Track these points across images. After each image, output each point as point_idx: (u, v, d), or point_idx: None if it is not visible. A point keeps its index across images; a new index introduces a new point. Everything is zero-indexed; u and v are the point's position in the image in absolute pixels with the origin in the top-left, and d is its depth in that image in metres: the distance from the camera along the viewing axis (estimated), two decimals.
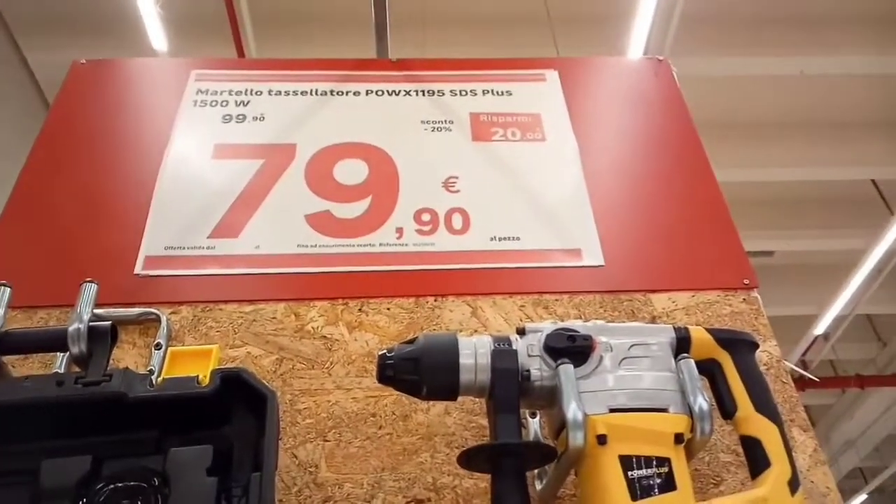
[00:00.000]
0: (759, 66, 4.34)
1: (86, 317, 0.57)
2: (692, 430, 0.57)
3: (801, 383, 6.72)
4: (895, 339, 6.84)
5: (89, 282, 0.60)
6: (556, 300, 0.82)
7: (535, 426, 0.70)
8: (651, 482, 0.55)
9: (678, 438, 0.56)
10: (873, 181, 5.29)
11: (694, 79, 4.21)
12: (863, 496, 8.02)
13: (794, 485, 0.57)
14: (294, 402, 0.73)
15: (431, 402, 0.73)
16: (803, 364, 6.64)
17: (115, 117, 0.99)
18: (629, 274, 0.85)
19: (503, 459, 0.56)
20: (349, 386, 0.74)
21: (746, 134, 4.78)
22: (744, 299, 0.84)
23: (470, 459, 0.56)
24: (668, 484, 0.55)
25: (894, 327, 6.78)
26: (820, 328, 5.81)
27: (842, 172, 4.95)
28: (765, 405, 0.61)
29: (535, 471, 0.68)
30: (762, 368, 0.78)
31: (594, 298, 0.83)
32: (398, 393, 0.73)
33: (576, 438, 0.55)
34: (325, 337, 0.77)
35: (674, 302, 0.83)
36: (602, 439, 0.56)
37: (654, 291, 0.84)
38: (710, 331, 0.64)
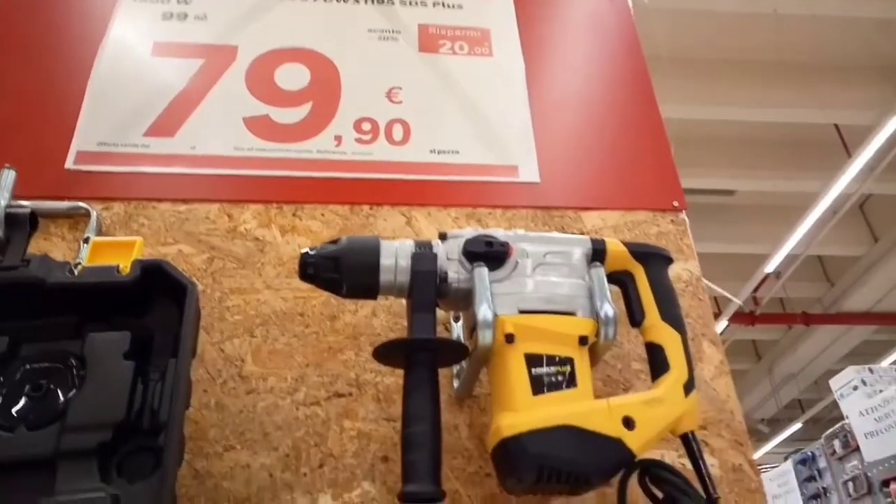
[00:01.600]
0: (734, 3, 4.31)
1: (2, 202, 0.57)
2: (597, 334, 0.60)
3: (750, 318, 6.97)
4: (843, 280, 7.09)
5: (7, 168, 0.59)
6: (490, 214, 0.84)
7: (458, 330, 0.73)
8: (553, 379, 0.58)
9: (582, 340, 0.59)
10: (836, 126, 5.36)
11: (667, 12, 4.17)
12: (798, 425, 8.48)
13: (688, 387, 0.61)
14: (223, 300, 0.74)
15: (360, 304, 0.75)
16: (754, 300, 6.87)
17: (49, 10, 0.96)
18: (563, 192, 0.87)
19: (416, 354, 0.58)
20: (279, 286, 0.75)
21: (715, 71, 4.78)
22: (672, 220, 0.87)
23: (385, 354, 0.58)
24: (570, 381, 0.58)
25: (843, 268, 7.02)
26: (771, 266, 5.98)
27: (806, 115, 5.00)
28: (670, 315, 0.65)
29: (454, 372, 0.71)
30: (682, 286, 0.82)
31: (527, 214, 0.85)
32: (327, 294, 0.75)
33: (484, 337, 0.58)
34: (257, 239, 0.78)
35: (604, 220, 0.86)
36: (510, 338, 0.58)
37: (585, 209, 0.86)
38: (625, 243, 0.67)
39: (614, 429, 0.57)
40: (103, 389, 0.55)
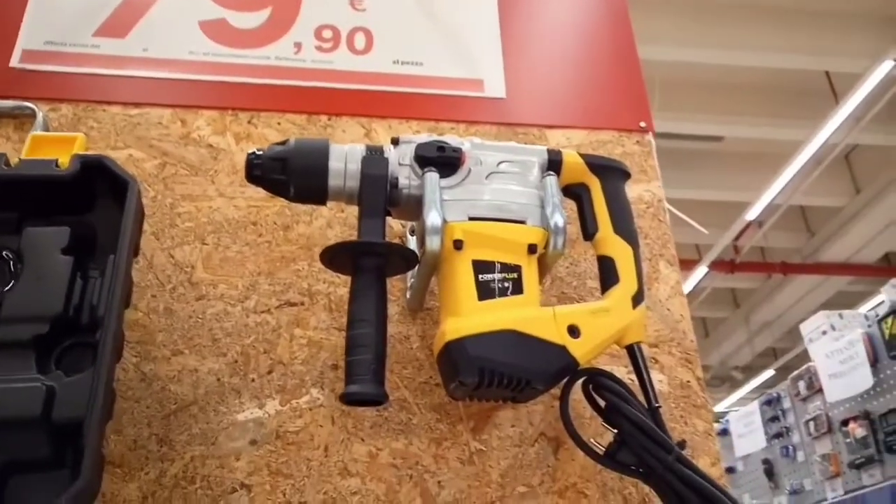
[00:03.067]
0: None
1: None
2: (547, 243, 0.60)
3: (730, 266, 7.03)
4: (823, 231, 7.16)
5: None
6: (453, 129, 0.82)
7: (413, 243, 0.72)
8: (500, 285, 0.57)
9: (531, 249, 0.59)
10: (827, 73, 5.31)
11: None
12: (771, 371, 8.69)
13: (637, 300, 0.61)
14: (175, 206, 0.72)
15: (314, 216, 0.74)
16: (735, 248, 6.93)
17: None
18: (528, 108, 0.85)
19: (363, 259, 0.57)
20: (232, 195, 0.74)
21: (706, 11, 4.68)
22: (637, 141, 0.85)
23: (332, 257, 0.57)
24: (516, 288, 0.58)
25: (824, 219, 7.07)
26: (752, 214, 6.01)
27: (798, 61, 4.94)
28: (623, 228, 0.64)
29: (408, 284, 0.70)
30: (643, 206, 0.81)
31: (490, 130, 0.83)
32: (281, 204, 0.74)
33: (432, 242, 0.57)
34: (211, 146, 0.76)
35: (568, 139, 0.84)
36: (458, 244, 0.58)
37: (550, 127, 0.84)
38: (582, 155, 0.66)
39: (558, 336, 0.57)
40: (40, 283, 0.54)
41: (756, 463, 2.73)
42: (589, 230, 0.64)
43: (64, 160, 0.58)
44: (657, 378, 0.71)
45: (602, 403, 0.59)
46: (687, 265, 6.95)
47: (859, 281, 7.41)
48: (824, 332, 2.54)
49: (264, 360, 0.66)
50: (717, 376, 8.70)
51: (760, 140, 5.81)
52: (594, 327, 0.58)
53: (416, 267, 0.63)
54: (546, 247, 0.60)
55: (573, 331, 0.57)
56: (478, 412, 0.66)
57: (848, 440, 2.22)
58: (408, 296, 0.70)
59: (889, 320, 2.09)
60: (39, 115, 0.73)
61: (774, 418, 2.67)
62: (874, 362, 2.14)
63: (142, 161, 0.74)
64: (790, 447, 2.55)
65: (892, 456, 2.06)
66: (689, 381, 0.72)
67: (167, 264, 0.69)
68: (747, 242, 6.87)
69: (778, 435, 2.64)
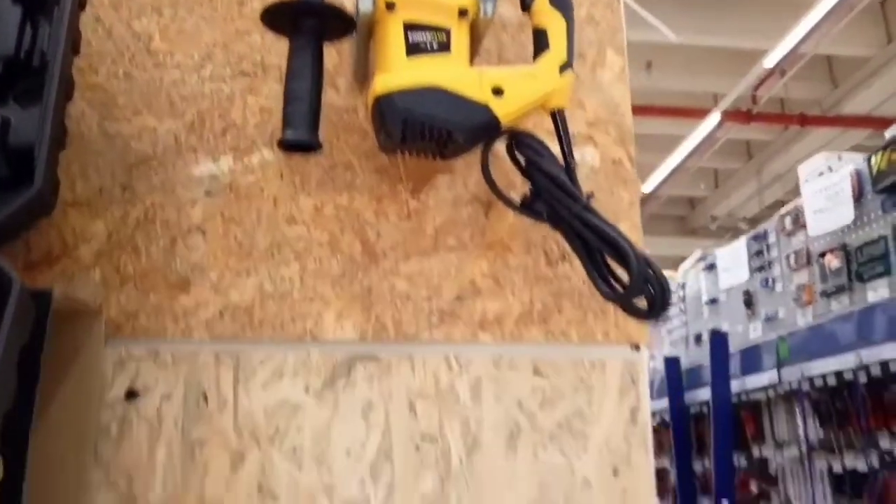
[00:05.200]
0: None
1: None
2: (477, 10, 0.62)
3: (746, 116, 6.89)
4: (846, 82, 6.92)
5: None
6: None
7: None
8: (428, 44, 0.60)
9: (462, 13, 0.61)
10: None
11: None
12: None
13: (564, 67, 0.64)
14: None
15: None
16: (753, 98, 6.75)
17: None
18: None
19: (302, 19, 0.60)
20: None
21: None
22: None
23: (272, 16, 0.60)
24: (444, 47, 0.61)
25: (850, 70, 6.81)
26: (770, 62, 5.80)
27: None
28: (559, 1, 0.66)
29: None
30: None
31: None
32: None
33: (364, 4, 0.60)
34: None
35: None
36: (390, 6, 0.60)
37: None
38: None
39: (482, 95, 0.61)
40: None
41: (737, 294, 2.86)
42: (526, 1, 0.66)
43: None
44: (591, 154, 0.76)
45: (522, 160, 0.64)
46: (700, 114, 6.82)
47: (877, 135, 7.26)
48: (821, 174, 2.55)
49: (219, 123, 0.71)
50: (723, 227, 8.79)
51: None
52: (519, 89, 0.62)
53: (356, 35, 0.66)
54: (476, 14, 0.62)
55: (498, 91, 0.61)
56: (417, 174, 0.72)
57: (823, 272, 2.31)
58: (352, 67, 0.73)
59: (879, 155, 2.10)
60: None
61: (759, 252, 2.76)
62: (858, 197, 2.18)
63: None
64: (770, 279, 2.66)
65: (861, 284, 2.15)
66: (620, 158, 0.76)
67: (126, 35, 0.73)
68: (766, 92, 6.68)
69: (760, 268, 2.74)
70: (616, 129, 0.77)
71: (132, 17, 0.73)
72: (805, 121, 7.05)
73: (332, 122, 0.72)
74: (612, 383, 0.70)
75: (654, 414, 3.62)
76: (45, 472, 0.60)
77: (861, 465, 2.22)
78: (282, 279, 0.69)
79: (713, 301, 3.10)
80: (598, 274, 0.61)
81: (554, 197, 0.62)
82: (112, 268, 0.67)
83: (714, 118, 6.74)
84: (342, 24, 0.63)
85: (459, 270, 0.71)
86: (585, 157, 0.75)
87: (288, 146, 0.60)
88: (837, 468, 2.32)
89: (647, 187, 7.98)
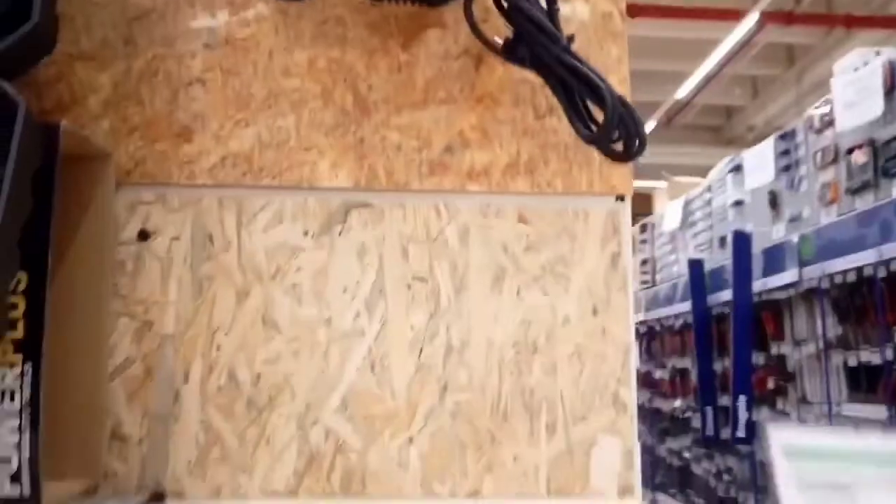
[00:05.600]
0: None
1: None
2: None
3: (787, 17, 6.58)
4: None
5: None
6: None
7: None
8: None
9: None
10: None
11: None
12: None
13: None
14: None
15: None
16: None
17: None
18: None
19: None
20: None
21: None
22: None
23: None
24: None
25: None
26: None
27: None
28: None
29: None
30: None
31: None
32: None
33: None
34: None
35: None
36: None
37: None
38: None
39: None
40: None
41: (763, 195, 2.83)
42: None
43: None
44: (581, 7, 0.76)
45: (505, 5, 0.65)
46: (737, 16, 6.52)
47: None
48: (856, 69, 2.46)
49: None
50: (760, 137, 8.54)
51: None
52: None
53: None
54: None
55: None
56: (408, 29, 0.74)
57: (850, 169, 2.26)
58: None
59: None
60: None
61: (786, 152, 2.70)
62: (890, 90, 2.10)
63: None
64: (796, 178, 2.61)
65: (887, 180, 2.11)
66: (610, 12, 0.77)
67: None
68: None
69: (787, 168, 2.70)
70: None
71: None
72: (851, 22, 6.69)
73: None
74: (595, 231, 0.73)
75: (677, 316, 3.68)
76: (69, 300, 0.66)
77: (876, 360, 2.24)
78: (279, 129, 0.72)
79: (738, 203, 3.07)
80: (577, 116, 0.63)
81: (535, 40, 0.63)
82: (119, 117, 0.71)
83: (752, 20, 6.43)
84: None
85: (449, 123, 0.73)
86: (576, 10, 0.76)
87: None
88: (853, 363, 2.35)
89: (681, 95, 7.75)
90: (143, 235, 0.71)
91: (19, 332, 0.56)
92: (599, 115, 0.64)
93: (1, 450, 0.56)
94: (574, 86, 0.63)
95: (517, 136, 0.74)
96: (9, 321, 0.55)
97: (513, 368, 0.71)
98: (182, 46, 0.71)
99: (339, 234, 0.72)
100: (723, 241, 3.19)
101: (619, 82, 0.75)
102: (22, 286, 0.57)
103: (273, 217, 0.71)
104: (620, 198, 0.74)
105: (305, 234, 0.71)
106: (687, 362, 3.58)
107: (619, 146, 0.65)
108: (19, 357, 0.56)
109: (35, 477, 0.56)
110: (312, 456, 0.69)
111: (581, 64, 0.62)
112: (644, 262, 4.20)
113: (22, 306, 0.57)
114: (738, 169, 3.11)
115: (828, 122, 2.45)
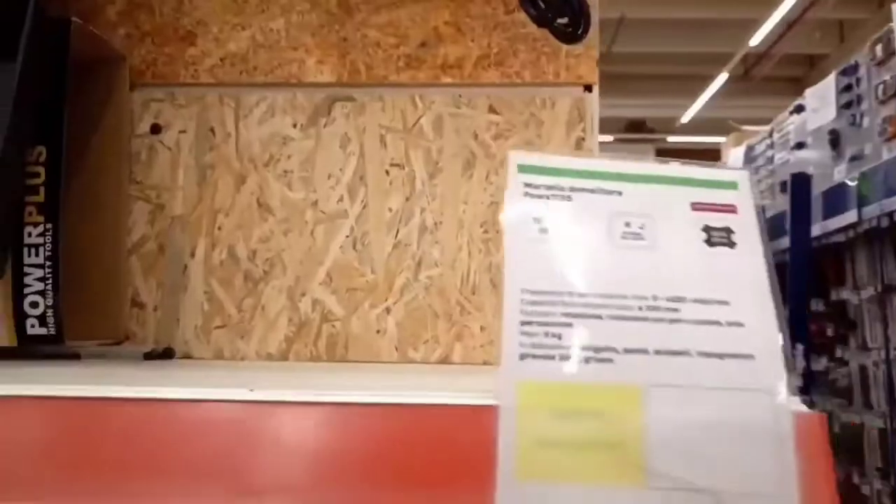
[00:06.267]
0: None
1: None
2: None
3: None
4: None
5: None
6: None
7: None
8: None
9: None
10: None
11: None
12: None
13: None
14: None
15: None
16: None
17: None
18: None
19: None
20: None
21: None
22: None
23: None
24: None
25: None
26: None
27: None
28: None
29: None
30: None
31: None
32: None
33: None
34: None
35: None
36: None
37: None
38: None
39: None
40: None
41: (823, 135, 2.72)
42: None
43: None
44: None
45: None
46: None
47: None
48: None
49: None
50: None
51: None
52: None
53: None
54: None
55: None
56: None
57: None
58: None
59: None
60: None
61: (847, 87, 2.59)
62: None
63: None
64: (857, 115, 2.50)
65: None
66: None
67: None
68: None
69: (848, 104, 2.58)
70: None
71: None
72: None
73: None
74: (561, 118, 0.78)
75: None
76: (93, 185, 0.76)
77: None
78: (270, 31, 0.79)
79: (800, 145, 2.97)
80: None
81: None
82: (132, 25, 0.80)
83: None
84: None
85: (424, 19, 0.79)
86: None
87: None
88: None
89: (756, 43, 7.40)
90: (155, 129, 0.80)
91: (41, 197, 0.67)
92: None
93: (29, 296, 0.66)
94: None
95: (488, 30, 0.78)
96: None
97: (481, 246, 0.77)
98: None
99: (325, 125, 0.79)
100: (784, 185, 3.09)
101: None
102: (42, 158, 0.67)
103: (266, 111, 0.79)
104: (588, 88, 0.78)
105: (294, 125, 0.79)
106: None
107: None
108: (41, 218, 0.67)
109: (59, 320, 0.67)
110: (301, 323, 0.77)
111: None
112: None
113: (42, 175, 0.67)
114: (799, 110, 3.00)
115: (890, 52, 2.33)
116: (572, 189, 0.29)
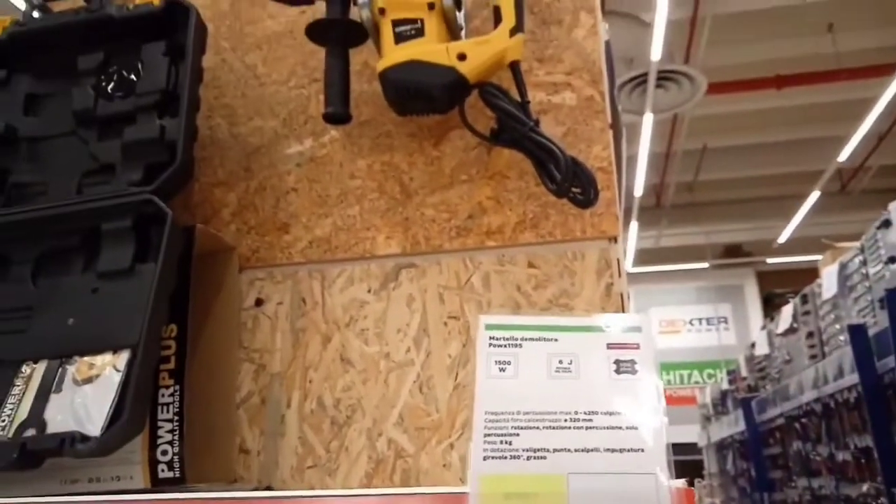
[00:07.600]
0: None
1: None
2: (442, 3, 0.87)
3: None
4: None
5: None
6: None
7: None
8: (408, 33, 0.87)
9: (430, 6, 0.87)
10: None
11: None
12: None
13: (514, 31, 0.87)
14: (243, 29, 1.10)
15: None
16: None
17: None
18: None
19: (331, 31, 0.90)
20: (277, 9, 1.09)
21: None
22: None
23: (311, 31, 0.91)
24: (419, 33, 0.87)
25: None
26: None
27: None
28: None
29: None
30: None
31: None
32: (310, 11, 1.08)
33: (363, 13, 0.88)
34: None
35: None
36: (382, 12, 0.88)
37: None
38: None
39: (449, 61, 0.86)
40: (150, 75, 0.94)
41: None
42: None
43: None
44: (569, 96, 0.96)
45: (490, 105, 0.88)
46: (890, 70, 6.16)
47: None
48: None
49: (302, 117, 1.03)
50: None
51: None
52: (478, 52, 0.86)
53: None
54: (442, 4, 0.88)
55: (462, 57, 0.86)
56: (437, 131, 0.98)
57: None
58: None
59: None
60: None
61: None
62: None
63: None
64: None
65: None
66: (592, 96, 0.96)
67: (240, 67, 1.08)
68: None
69: None
70: (588, 74, 0.97)
71: (244, 53, 1.08)
72: None
73: (375, 105, 1.00)
74: (591, 267, 0.90)
75: (850, 389, 3.41)
76: (210, 351, 0.94)
77: None
78: (348, 216, 0.98)
79: (892, 259, 2.90)
80: (545, 175, 0.83)
81: (510, 125, 0.84)
82: (241, 222, 1.01)
83: None
84: (359, 33, 0.91)
85: (470, 196, 0.95)
86: (566, 99, 0.96)
87: (327, 118, 0.89)
88: None
89: (843, 159, 7.31)
90: (259, 302, 0.98)
91: (172, 364, 0.84)
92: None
93: (161, 446, 0.82)
94: (540, 155, 0.83)
95: (523, 200, 0.94)
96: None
97: None
98: (281, 167, 1.01)
99: (393, 288, 0.95)
100: (882, 302, 2.99)
101: (603, 148, 0.93)
102: (174, 333, 0.85)
103: (346, 281, 0.96)
104: (613, 239, 0.91)
105: (369, 290, 0.95)
106: (869, 440, 3.28)
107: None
108: (172, 381, 0.84)
109: (183, 465, 0.82)
110: (379, 460, 0.89)
111: (543, 138, 0.82)
112: (809, 335, 3.96)
113: (173, 347, 0.85)
114: (887, 224, 2.96)
115: None
116: (523, 339, 0.41)
